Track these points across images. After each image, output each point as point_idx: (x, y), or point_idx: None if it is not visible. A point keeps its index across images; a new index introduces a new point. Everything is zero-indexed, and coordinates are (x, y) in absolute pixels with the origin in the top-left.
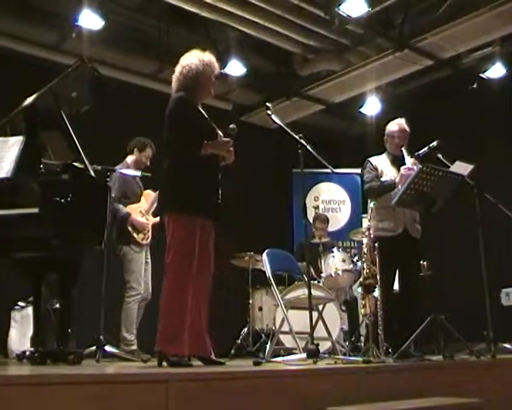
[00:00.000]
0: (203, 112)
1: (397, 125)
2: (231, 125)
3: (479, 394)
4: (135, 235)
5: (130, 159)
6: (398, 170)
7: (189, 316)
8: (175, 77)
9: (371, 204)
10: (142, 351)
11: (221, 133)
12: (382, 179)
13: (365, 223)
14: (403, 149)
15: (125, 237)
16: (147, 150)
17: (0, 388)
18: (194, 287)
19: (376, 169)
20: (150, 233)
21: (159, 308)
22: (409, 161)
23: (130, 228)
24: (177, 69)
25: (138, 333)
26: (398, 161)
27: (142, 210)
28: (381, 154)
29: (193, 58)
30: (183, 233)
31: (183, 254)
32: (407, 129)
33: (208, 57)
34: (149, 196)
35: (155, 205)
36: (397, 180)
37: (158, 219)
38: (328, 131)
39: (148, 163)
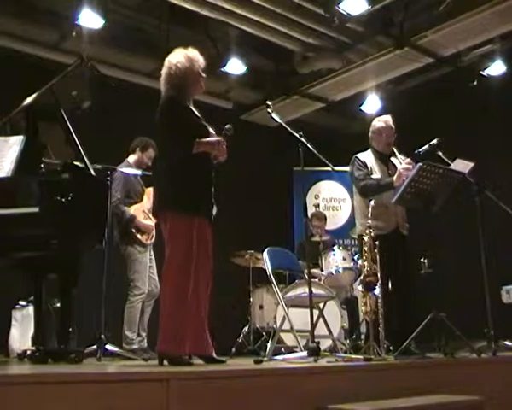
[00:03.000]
0: (194, 110)
1: (383, 122)
2: (227, 125)
3: (479, 391)
4: (138, 236)
5: (131, 158)
6: (387, 167)
7: (191, 315)
8: (163, 78)
9: (372, 202)
10: (152, 349)
11: (213, 131)
12: (373, 177)
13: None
14: (393, 148)
15: (129, 238)
16: (149, 151)
17: (1, 387)
18: (194, 285)
19: (366, 166)
20: (154, 232)
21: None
22: (401, 158)
23: (133, 230)
24: (165, 70)
25: (148, 331)
26: (385, 158)
27: (145, 209)
28: (365, 150)
29: (179, 56)
30: (181, 233)
31: (182, 254)
32: (393, 126)
33: (193, 53)
34: (151, 194)
35: None
36: (394, 179)
37: None
38: (329, 130)
39: (150, 163)
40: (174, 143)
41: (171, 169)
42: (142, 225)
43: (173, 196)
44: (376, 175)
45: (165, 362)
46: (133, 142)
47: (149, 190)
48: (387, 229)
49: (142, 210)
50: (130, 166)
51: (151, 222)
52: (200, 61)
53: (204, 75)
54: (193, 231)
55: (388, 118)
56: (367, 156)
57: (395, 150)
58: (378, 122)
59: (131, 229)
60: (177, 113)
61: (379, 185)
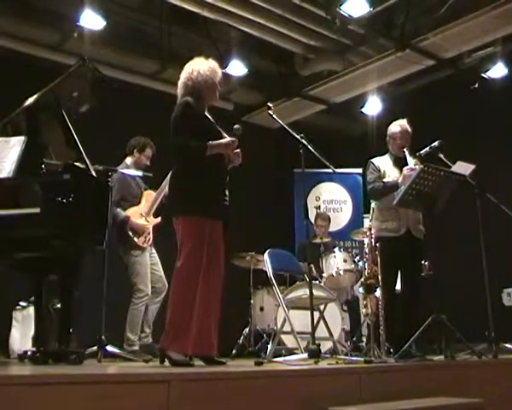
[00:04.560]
0: (209, 116)
1: (399, 126)
2: (236, 126)
3: (480, 394)
4: (135, 239)
5: (129, 160)
6: (401, 171)
7: (198, 317)
8: (182, 82)
9: (374, 204)
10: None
11: (227, 136)
12: (385, 180)
13: (367, 223)
14: (405, 149)
15: (124, 243)
16: (146, 150)
17: (2, 388)
18: (203, 287)
19: (379, 170)
20: (151, 235)
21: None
22: (411, 161)
23: (130, 232)
24: (184, 75)
25: (154, 329)
26: (400, 162)
27: (142, 212)
28: (383, 154)
29: (201, 64)
30: (192, 235)
31: (193, 257)
32: (409, 130)
33: (214, 63)
34: (150, 197)
35: (156, 205)
36: (399, 181)
37: (159, 219)
38: (330, 131)
39: (148, 163)
40: (187, 147)
41: (182, 172)
42: (135, 225)
43: (183, 198)
44: (388, 179)
45: (167, 362)
46: (129, 142)
47: (147, 193)
48: (399, 231)
49: (139, 213)
50: (128, 168)
51: (146, 223)
52: (219, 73)
53: (220, 87)
54: (204, 233)
55: (404, 122)
56: (382, 160)
57: (406, 153)
58: (393, 126)
59: (127, 231)
60: (191, 117)
61: (384, 187)
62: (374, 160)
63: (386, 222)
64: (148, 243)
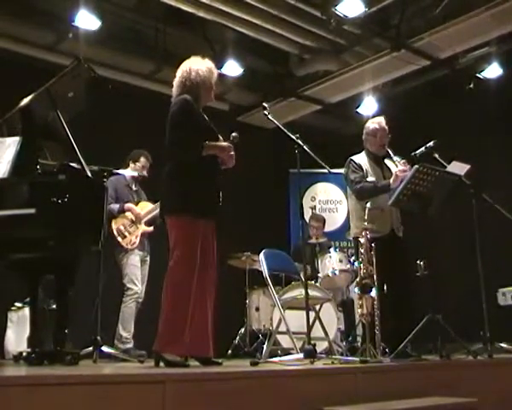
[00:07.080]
0: (205, 116)
1: (377, 123)
2: (234, 134)
3: (475, 393)
4: (119, 239)
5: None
6: (381, 169)
7: (192, 317)
8: (178, 81)
9: (368, 205)
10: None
11: (221, 138)
12: (369, 179)
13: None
14: (388, 149)
15: (113, 245)
16: (140, 160)
17: None
18: (198, 287)
19: (361, 168)
20: (138, 239)
21: (156, 309)
22: (396, 159)
23: (115, 232)
24: (181, 74)
25: (140, 332)
26: (379, 160)
27: (132, 218)
28: (359, 152)
29: (199, 64)
30: (186, 235)
31: (186, 256)
32: (386, 127)
33: (210, 64)
34: (145, 207)
35: (150, 216)
36: (391, 181)
37: (151, 228)
38: (325, 132)
39: (145, 172)
40: (184, 145)
41: (177, 171)
42: (133, 210)
43: (177, 198)
44: (371, 178)
45: (161, 364)
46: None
47: (144, 204)
48: (383, 232)
49: (130, 218)
50: (124, 178)
51: (135, 231)
52: (215, 73)
53: (215, 88)
54: (198, 233)
55: (381, 119)
56: (362, 159)
57: (390, 152)
58: (372, 124)
59: (113, 232)
60: (190, 114)
61: (375, 188)
62: (354, 157)
63: (371, 223)
64: (132, 245)
